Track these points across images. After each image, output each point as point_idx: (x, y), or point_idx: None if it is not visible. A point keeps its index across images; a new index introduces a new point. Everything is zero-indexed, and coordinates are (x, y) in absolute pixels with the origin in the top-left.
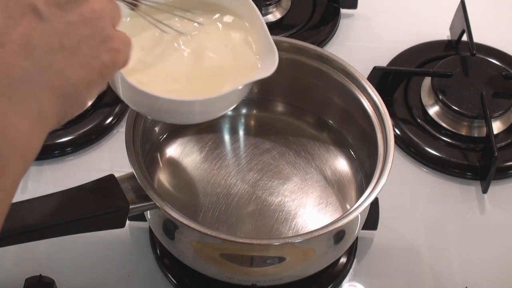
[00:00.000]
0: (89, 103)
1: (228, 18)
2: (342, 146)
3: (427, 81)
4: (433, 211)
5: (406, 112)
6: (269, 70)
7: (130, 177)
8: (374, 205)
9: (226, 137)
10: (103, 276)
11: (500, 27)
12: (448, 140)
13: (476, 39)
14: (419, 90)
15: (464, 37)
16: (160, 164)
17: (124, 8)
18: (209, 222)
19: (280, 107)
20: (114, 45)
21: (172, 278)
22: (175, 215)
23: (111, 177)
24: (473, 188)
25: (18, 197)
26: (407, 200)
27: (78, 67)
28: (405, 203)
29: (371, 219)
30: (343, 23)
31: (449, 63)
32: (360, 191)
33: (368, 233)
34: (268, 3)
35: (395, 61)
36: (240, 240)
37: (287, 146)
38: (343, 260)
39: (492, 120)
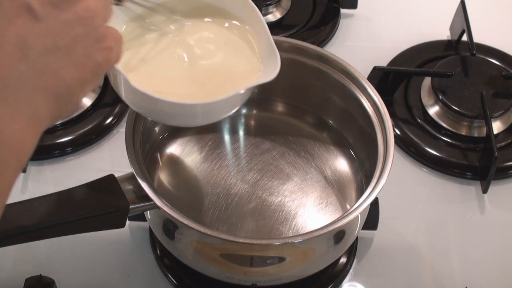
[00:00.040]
0: (82, 102)
1: (230, 22)
2: (342, 146)
3: (427, 81)
4: (433, 211)
5: (406, 112)
6: (271, 74)
7: (130, 177)
8: (374, 205)
9: (226, 137)
10: (103, 276)
11: (500, 27)
12: (448, 140)
13: (476, 39)
14: (419, 90)
15: (464, 37)
16: (160, 164)
17: (121, 16)
18: (209, 222)
19: (280, 107)
20: (108, 44)
21: (172, 278)
22: (175, 215)
23: (111, 177)
24: (473, 188)
25: (18, 197)
26: (407, 200)
27: (72, 67)
28: (405, 203)
29: (371, 219)
30: (343, 23)
31: (449, 63)
32: (360, 191)
33: (368, 233)
34: (268, 3)
35: (395, 61)
36: (240, 240)
37: (287, 146)
38: (343, 260)
39: (492, 120)
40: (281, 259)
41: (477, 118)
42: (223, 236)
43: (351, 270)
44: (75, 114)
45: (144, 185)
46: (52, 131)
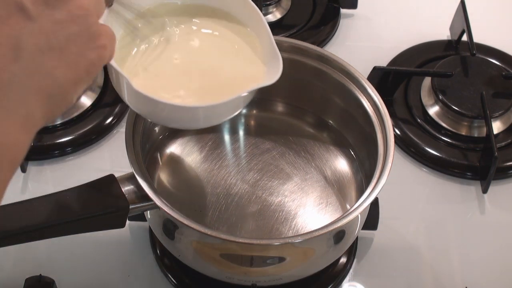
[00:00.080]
0: (76, 101)
1: (233, 24)
2: (342, 146)
3: (427, 81)
4: (433, 211)
5: (406, 112)
6: (273, 77)
7: (130, 177)
8: (374, 205)
9: (226, 137)
10: (103, 276)
11: (500, 27)
12: (448, 140)
13: (476, 39)
14: (419, 90)
15: (464, 37)
16: (160, 164)
17: (120, 18)
18: (209, 222)
19: (280, 107)
20: (101, 42)
21: (172, 278)
22: (175, 215)
23: (111, 177)
24: (473, 188)
25: (18, 197)
26: (407, 200)
27: (65, 67)
28: (405, 203)
29: (371, 219)
30: (343, 23)
31: (449, 63)
32: (360, 191)
33: (368, 233)
34: (268, 3)
35: (395, 61)
36: (240, 240)
37: (287, 146)
38: (343, 260)
39: (492, 120)
40: (281, 259)
41: (477, 118)
42: (223, 236)
43: (351, 270)
44: (75, 114)
45: (144, 185)
46: (52, 131)
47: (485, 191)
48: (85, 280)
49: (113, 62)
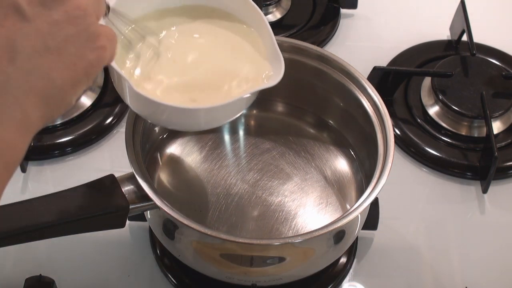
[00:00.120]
0: (75, 102)
1: (234, 24)
2: (342, 146)
3: (427, 81)
4: (433, 211)
5: (406, 112)
6: (275, 79)
7: (130, 177)
8: (374, 205)
9: (226, 137)
10: (103, 276)
11: (500, 27)
12: (448, 140)
13: (476, 39)
14: (419, 90)
15: (464, 37)
16: (160, 164)
17: (121, 20)
18: (209, 222)
19: (280, 107)
20: (101, 43)
21: (172, 278)
22: (175, 215)
23: (111, 177)
24: (473, 188)
25: (18, 197)
26: (407, 200)
27: (63, 69)
28: (405, 203)
29: (371, 219)
30: (343, 23)
31: (449, 63)
32: (360, 191)
33: (368, 233)
34: (268, 3)
35: (395, 61)
36: (240, 240)
37: (287, 146)
38: (343, 260)
39: (492, 120)
40: (281, 259)
41: (477, 118)
42: (223, 236)
43: (351, 270)
44: (75, 114)
45: (144, 185)
46: (52, 131)
47: (485, 191)
48: (85, 280)
49: (114, 64)
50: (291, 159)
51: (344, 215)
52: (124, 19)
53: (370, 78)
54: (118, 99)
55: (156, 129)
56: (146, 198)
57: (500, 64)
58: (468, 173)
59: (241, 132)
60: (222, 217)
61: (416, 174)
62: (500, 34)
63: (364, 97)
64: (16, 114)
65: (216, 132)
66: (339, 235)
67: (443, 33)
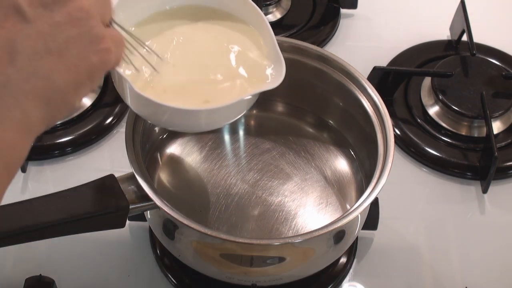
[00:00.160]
0: (79, 104)
1: (237, 28)
2: (342, 146)
3: (427, 81)
4: (433, 211)
5: (406, 112)
6: (277, 81)
7: (130, 177)
8: (374, 205)
9: (226, 137)
10: (103, 276)
11: (500, 27)
12: (448, 140)
13: (476, 39)
14: (419, 90)
15: (464, 37)
16: (160, 164)
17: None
18: (209, 222)
19: (280, 107)
20: (105, 45)
21: (172, 278)
22: (175, 215)
23: (111, 177)
24: (473, 188)
25: (18, 197)
26: (407, 200)
27: (65, 71)
28: (405, 203)
29: (371, 219)
30: (343, 23)
31: (449, 63)
32: (360, 191)
33: (368, 233)
34: (268, 3)
35: (395, 61)
36: (240, 240)
37: (287, 146)
38: (343, 260)
39: (492, 120)
40: (281, 259)
41: (477, 118)
42: (223, 236)
43: (351, 270)
44: (75, 114)
45: (144, 185)
46: (52, 131)
47: (485, 191)
48: (85, 280)
49: (118, 68)
50: (291, 159)
51: (344, 215)
52: (124, 22)
53: (370, 78)
54: (118, 99)
55: (156, 129)
56: (146, 198)
57: (500, 64)
58: (468, 173)
59: (241, 132)
60: (222, 217)
61: (416, 174)
62: (500, 34)
63: (364, 97)
64: (16, 115)
65: (216, 132)
66: (339, 235)
67: (443, 33)
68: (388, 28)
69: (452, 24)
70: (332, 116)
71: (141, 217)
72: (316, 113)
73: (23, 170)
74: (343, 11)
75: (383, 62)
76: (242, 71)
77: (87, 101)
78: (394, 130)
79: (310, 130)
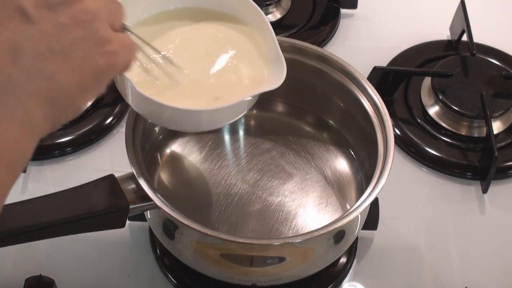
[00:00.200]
0: (85, 106)
1: (238, 28)
2: (342, 146)
3: (427, 81)
4: (433, 211)
5: (406, 112)
6: (277, 82)
7: (130, 177)
8: (374, 205)
9: (226, 137)
10: (103, 276)
11: (500, 27)
12: (448, 140)
13: (476, 39)
14: (419, 90)
15: (464, 37)
16: (160, 164)
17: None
18: (209, 222)
19: (280, 107)
20: (111, 48)
21: (172, 278)
22: (175, 215)
23: (111, 177)
24: (473, 188)
25: (18, 197)
26: (407, 200)
27: (69, 72)
28: (405, 203)
29: (371, 219)
30: (343, 23)
31: (449, 63)
32: (360, 191)
33: (368, 233)
34: (268, 3)
35: (395, 61)
36: (240, 240)
37: (287, 146)
38: (343, 260)
39: (492, 120)
40: (281, 259)
41: (477, 118)
42: (223, 236)
43: (351, 270)
44: None
45: (144, 185)
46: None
47: (485, 191)
48: (85, 280)
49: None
50: (291, 159)
51: (344, 215)
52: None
53: (370, 78)
54: (118, 99)
55: (156, 129)
56: (146, 198)
57: (500, 64)
58: (468, 173)
59: (241, 132)
60: (222, 217)
61: (416, 174)
62: (500, 34)
63: (364, 97)
64: (18, 115)
65: (216, 132)
66: (339, 235)
67: (443, 33)
68: (388, 28)
69: (452, 24)
70: (332, 116)
71: (141, 217)
72: (316, 113)
73: (23, 170)
74: (343, 11)
75: (383, 62)
76: (243, 71)
77: None
78: (394, 130)
79: (310, 130)
